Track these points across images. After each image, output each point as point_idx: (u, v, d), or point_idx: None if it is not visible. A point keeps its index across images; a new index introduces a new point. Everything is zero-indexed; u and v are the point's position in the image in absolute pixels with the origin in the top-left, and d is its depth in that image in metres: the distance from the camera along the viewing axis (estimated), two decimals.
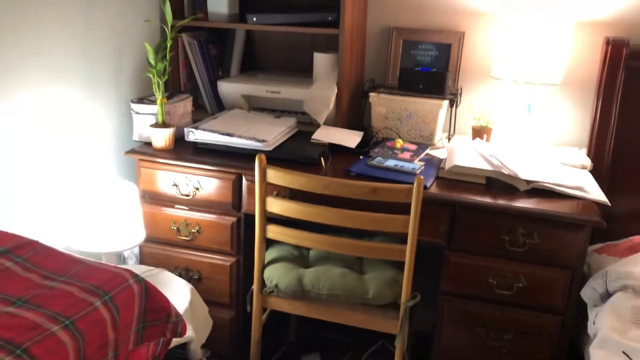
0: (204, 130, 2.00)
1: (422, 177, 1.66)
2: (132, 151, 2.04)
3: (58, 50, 1.83)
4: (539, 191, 1.80)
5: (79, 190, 1.85)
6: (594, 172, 2.02)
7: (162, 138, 2.02)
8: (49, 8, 1.77)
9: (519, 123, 2.15)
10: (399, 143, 2.11)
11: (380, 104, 2.20)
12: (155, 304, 1.31)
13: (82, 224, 1.80)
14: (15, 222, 1.70)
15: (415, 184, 1.64)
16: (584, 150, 2.13)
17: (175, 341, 1.67)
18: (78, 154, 1.97)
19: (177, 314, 1.37)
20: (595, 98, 2.08)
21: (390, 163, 1.94)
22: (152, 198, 2.06)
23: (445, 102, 2.15)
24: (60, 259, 1.28)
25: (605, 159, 2.07)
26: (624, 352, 1.36)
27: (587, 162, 2.04)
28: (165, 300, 1.34)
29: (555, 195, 1.78)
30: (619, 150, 2.06)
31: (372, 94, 2.21)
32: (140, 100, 2.11)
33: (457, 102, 2.21)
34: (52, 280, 1.20)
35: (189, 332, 1.70)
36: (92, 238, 1.80)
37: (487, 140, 2.17)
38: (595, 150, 2.08)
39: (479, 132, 2.17)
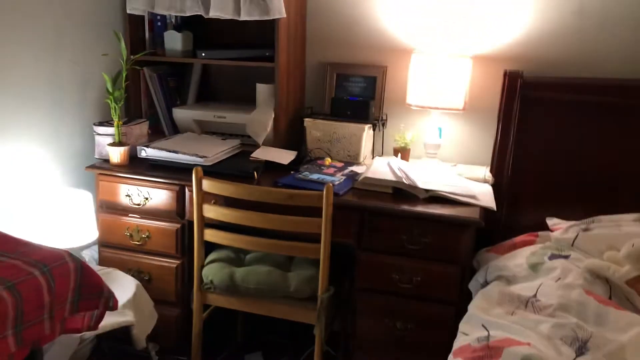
0: (153, 148, 2.31)
1: (331, 184, 1.96)
2: (92, 166, 2.35)
3: (29, 80, 2.16)
4: (437, 199, 2.09)
5: (45, 197, 2.14)
6: (496, 186, 2.33)
7: (117, 155, 2.33)
8: (21, 47, 2.10)
9: (431, 144, 2.47)
10: (328, 161, 2.42)
11: (314, 128, 2.52)
12: (89, 280, 1.59)
13: (45, 224, 2.09)
14: None
15: (325, 191, 1.94)
16: (488, 168, 2.44)
17: (117, 323, 1.95)
18: (46, 170, 2.27)
19: (109, 291, 1.65)
20: (497, 123, 2.39)
21: (315, 176, 2.24)
22: (109, 207, 2.35)
23: (368, 127, 2.47)
24: (11, 242, 1.57)
25: (505, 174, 2.37)
26: (482, 325, 1.63)
27: (489, 176, 2.34)
28: (98, 278, 1.62)
29: (450, 202, 2.08)
30: (517, 167, 2.36)
31: (307, 119, 2.53)
32: (102, 123, 2.43)
33: (380, 126, 2.53)
34: (4, 257, 1.49)
35: (129, 317, 1.97)
36: (53, 235, 2.08)
37: (406, 158, 2.47)
38: (497, 167, 2.38)
39: (399, 152, 2.48)
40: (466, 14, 2.45)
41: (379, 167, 2.26)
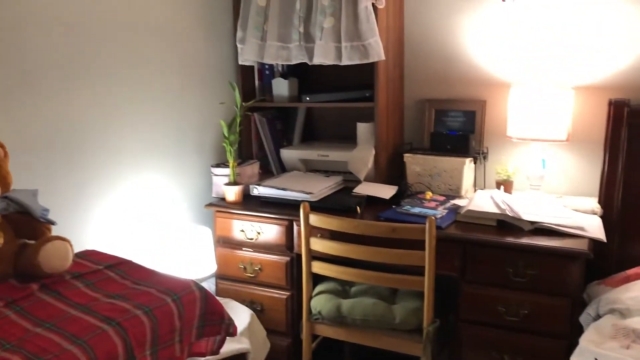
0: (264, 186, 2.49)
1: (433, 218, 2.02)
2: (210, 204, 2.58)
3: (158, 126, 2.43)
4: (543, 231, 2.08)
5: (169, 233, 2.38)
6: (605, 217, 2.26)
7: (233, 193, 2.54)
8: (152, 98, 2.38)
9: (535, 176, 2.45)
10: (429, 195, 2.48)
11: (414, 162, 2.60)
12: (212, 308, 1.74)
13: (171, 256, 2.31)
14: (119, 249, 2.24)
15: (427, 224, 2.00)
16: (595, 199, 2.37)
17: (235, 349, 2.10)
18: (169, 207, 2.52)
19: (230, 318, 1.79)
20: (603, 153, 2.34)
21: (416, 210, 2.31)
22: (225, 242, 2.55)
23: (469, 160, 2.50)
24: (145, 272, 1.77)
25: (615, 205, 2.30)
26: (595, 359, 1.60)
27: (598, 208, 2.29)
28: (220, 306, 1.77)
29: (557, 234, 2.06)
30: (627, 197, 2.29)
31: (406, 155, 2.61)
32: (218, 165, 2.65)
33: (481, 159, 2.56)
34: (139, 285, 1.68)
35: (245, 345, 2.12)
36: (177, 267, 2.30)
37: (508, 191, 2.47)
38: (605, 198, 2.32)
39: (501, 185, 2.49)
40: (565, 46, 2.45)
41: (482, 200, 2.28)
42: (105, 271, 1.73)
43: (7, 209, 1.64)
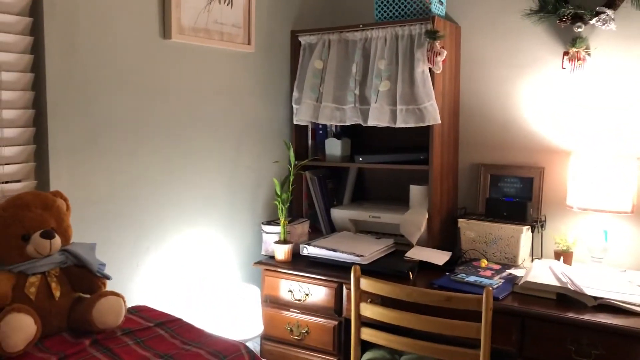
0: (314, 246, 2.47)
1: (491, 288, 1.94)
2: (259, 262, 2.56)
3: (213, 182, 2.46)
4: (607, 307, 1.97)
5: (218, 290, 2.36)
6: None
7: (282, 252, 2.52)
8: (208, 156, 2.43)
9: (597, 248, 2.34)
10: (484, 263, 2.40)
11: (469, 228, 2.53)
12: None
13: (217, 314, 2.29)
14: (169, 304, 2.23)
15: (484, 294, 1.92)
16: None
17: None
18: (218, 263, 2.52)
19: None
20: None
21: (471, 279, 2.23)
22: (272, 302, 2.51)
23: (526, 228, 2.42)
24: (195, 332, 1.75)
25: None
26: None
27: None
28: None
29: (622, 312, 1.94)
30: None
31: (461, 220, 2.55)
32: (269, 222, 2.65)
33: (539, 227, 2.47)
34: (188, 345, 1.66)
35: None
36: (225, 325, 2.27)
37: (568, 262, 2.37)
38: None
39: (560, 255, 2.39)
40: (629, 114, 2.39)
41: (541, 271, 2.19)
42: (156, 329, 1.72)
43: (65, 262, 1.67)
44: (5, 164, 1.75)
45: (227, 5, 2.42)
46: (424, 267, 2.37)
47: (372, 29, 2.56)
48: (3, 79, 1.73)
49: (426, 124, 2.43)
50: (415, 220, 2.53)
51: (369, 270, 2.29)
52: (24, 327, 1.46)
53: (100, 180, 2.00)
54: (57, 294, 1.62)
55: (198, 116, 2.37)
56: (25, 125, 1.80)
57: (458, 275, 2.26)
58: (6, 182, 1.76)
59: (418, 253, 2.45)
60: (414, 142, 2.74)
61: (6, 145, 1.75)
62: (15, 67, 1.76)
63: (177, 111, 2.28)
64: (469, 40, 2.73)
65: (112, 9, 1.99)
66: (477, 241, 2.52)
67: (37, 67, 1.81)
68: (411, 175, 2.74)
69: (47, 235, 1.61)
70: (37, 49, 1.81)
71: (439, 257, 2.43)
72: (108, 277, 1.71)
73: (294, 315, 2.46)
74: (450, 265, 2.40)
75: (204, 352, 1.61)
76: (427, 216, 2.52)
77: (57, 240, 1.64)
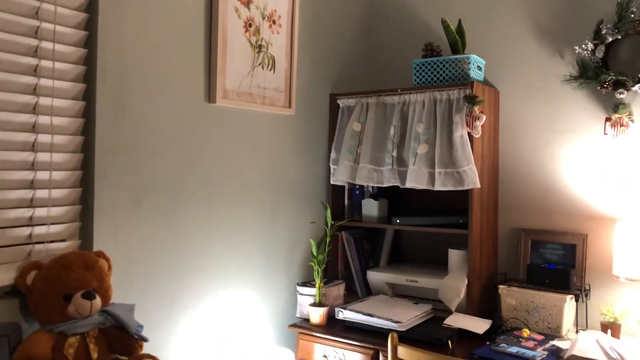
0: (350, 310, 2.42)
1: None
2: (293, 325, 2.52)
3: (249, 243, 2.47)
4: None
5: (252, 353, 2.33)
6: None
7: (318, 315, 2.48)
8: (245, 217, 2.45)
9: None
10: (526, 333, 2.31)
11: (510, 295, 2.46)
12: None
13: None
14: None
15: None
16: None
17: None
18: (253, 325, 2.49)
19: None
20: None
21: (513, 349, 2.15)
22: None
23: (570, 297, 2.34)
24: None
25: None
26: None
27: None
28: None
29: None
30: None
31: (501, 287, 2.48)
32: (304, 284, 2.63)
33: (583, 297, 2.38)
34: None
35: None
36: None
37: (616, 336, 2.26)
38: None
39: (607, 328, 2.29)
40: None
41: (586, 344, 2.09)
42: None
43: (104, 323, 1.68)
44: (52, 224, 1.79)
45: (270, 70, 2.49)
46: (464, 335, 2.30)
47: (411, 93, 2.59)
48: (55, 141, 1.80)
49: (465, 188, 2.41)
50: (454, 285, 2.47)
51: (406, 337, 2.23)
52: None
53: (142, 240, 2.02)
54: (94, 355, 1.62)
55: (237, 177, 2.41)
56: (73, 186, 1.86)
57: (499, 345, 2.18)
58: (51, 242, 1.80)
59: (457, 320, 2.38)
60: (451, 204, 2.71)
61: (53, 206, 1.80)
62: (66, 130, 1.83)
63: (217, 172, 2.32)
64: (508, 104, 2.73)
65: (160, 75, 2.07)
66: (519, 309, 2.44)
67: (87, 130, 1.88)
68: (449, 239, 2.70)
69: (88, 296, 1.63)
70: (88, 113, 1.88)
71: (479, 325, 2.36)
72: (145, 340, 1.71)
73: None
74: (490, 334, 2.32)
75: None
76: (466, 282, 2.46)
77: (98, 301, 1.66)
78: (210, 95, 2.25)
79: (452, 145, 2.46)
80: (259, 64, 2.43)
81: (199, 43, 2.21)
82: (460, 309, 2.47)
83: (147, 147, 2.03)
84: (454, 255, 2.59)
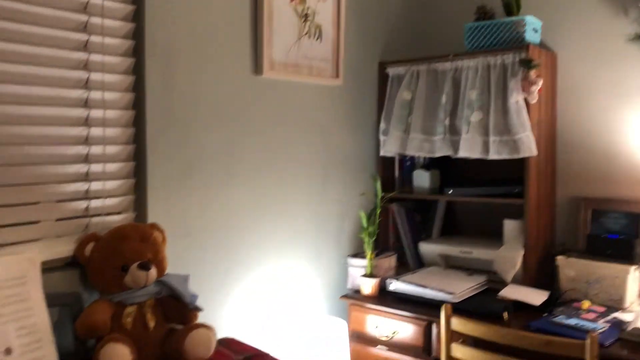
0: (402, 281, 2.40)
1: (595, 333, 1.79)
2: (345, 296, 2.53)
3: (300, 214, 2.47)
4: None
5: (304, 322, 2.35)
6: None
7: (369, 286, 2.47)
8: (296, 189, 2.44)
9: None
10: (586, 304, 2.23)
11: (568, 266, 2.37)
12: None
13: (304, 348, 2.27)
14: (257, 338, 2.24)
15: (588, 340, 1.78)
16: None
17: None
18: (305, 295, 2.51)
19: None
20: None
21: (572, 322, 2.07)
22: (359, 337, 2.46)
23: (634, 268, 2.23)
24: None
25: None
26: None
27: None
28: None
29: None
30: None
31: (559, 257, 2.40)
32: (355, 255, 2.62)
33: None
34: None
35: None
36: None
37: None
38: None
39: None
40: None
41: None
42: None
43: (160, 293, 1.72)
44: (107, 197, 1.84)
45: (317, 40, 2.45)
46: (519, 307, 2.24)
47: (463, 59, 2.50)
48: (107, 116, 1.83)
49: (521, 156, 2.33)
50: (509, 256, 2.40)
51: (459, 309, 2.19)
52: (121, 356, 1.51)
53: (194, 212, 2.05)
54: (151, 324, 1.67)
55: (286, 149, 2.40)
56: (126, 160, 1.89)
57: (557, 318, 2.11)
58: (107, 215, 1.84)
59: (513, 292, 2.32)
60: (506, 173, 2.62)
61: (108, 179, 1.84)
62: (118, 104, 1.86)
63: (266, 144, 2.32)
64: (567, 67, 2.60)
65: (207, 48, 2.07)
66: (578, 280, 2.35)
67: (138, 105, 1.90)
68: (504, 209, 2.62)
69: (144, 266, 1.67)
70: (138, 88, 1.90)
71: (536, 297, 2.29)
72: (200, 309, 1.74)
73: (381, 352, 2.39)
74: (547, 306, 2.25)
75: None
76: (522, 252, 2.39)
77: (153, 272, 1.69)
78: (257, 67, 2.24)
79: (507, 112, 2.37)
80: (306, 34, 2.40)
81: (245, 15, 2.19)
82: (516, 281, 2.41)
83: (197, 120, 2.05)
84: (510, 226, 2.51)
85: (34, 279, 1.57)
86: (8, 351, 1.46)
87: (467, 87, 2.48)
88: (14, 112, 1.63)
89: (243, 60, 2.20)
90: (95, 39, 1.78)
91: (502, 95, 2.38)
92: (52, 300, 1.60)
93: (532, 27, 2.46)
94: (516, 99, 2.33)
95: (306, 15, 2.39)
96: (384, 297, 2.45)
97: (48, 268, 1.65)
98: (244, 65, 2.21)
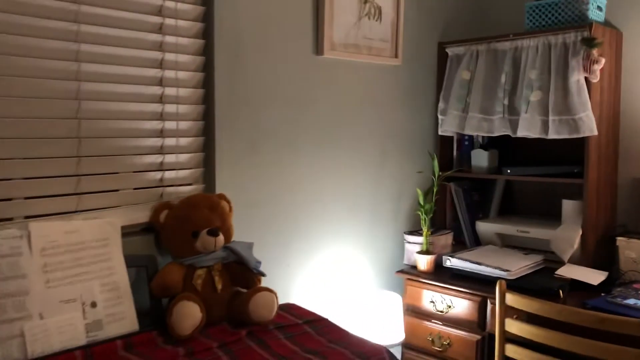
0: (458, 258, 2.45)
1: None
2: (401, 271, 2.60)
3: (357, 190, 2.55)
4: None
5: (360, 294, 2.44)
6: None
7: (425, 262, 2.53)
8: (354, 165, 2.53)
9: None
10: None
11: (629, 248, 2.35)
12: None
13: (360, 319, 2.36)
14: (314, 304, 2.35)
15: None
16: None
17: None
18: (361, 269, 2.60)
19: None
20: None
21: (630, 301, 2.07)
22: (414, 311, 2.53)
23: None
24: (340, 332, 1.83)
25: None
26: None
27: None
28: None
29: None
30: None
31: (620, 239, 2.38)
32: (411, 232, 2.68)
33: None
34: (333, 344, 1.74)
35: None
36: (366, 330, 2.33)
37: None
38: None
39: None
40: None
41: None
42: (304, 326, 1.83)
43: (227, 259, 1.85)
44: (180, 169, 1.99)
45: (376, 20, 2.50)
46: (576, 287, 2.25)
47: (523, 38, 2.50)
48: (180, 94, 1.97)
49: (581, 136, 2.31)
50: (567, 236, 2.40)
51: (515, 286, 2.22)
52: (192, 313, 1.65)
53: (258, 186, 2.17)
54: (219, 286, 1.80)
55: (345, 127, 2.49)
56: (197, 135, 2.03)
57: (615, 297, 2.11)
58: (179, 185, 1.99)
59: (570, 271, 2.32)
60: (565, 154, 2.61)
61: (180, 153, 1.98)
62: (189, 83, 1.99)
63: (326, 122, 2.41)
64: (633, 47, 2.54)
65: (271, 30, 2.17)
66: (639, 262, 2.33)
67: (207, 84, 2.03)
68: (563, 189, 2.61)
69: (213, 233, 1.80)
70: (207, 67, 2.03)
71: (594, 277, 2.29)
72: (263, 274, 1.86)
73: (435, 326, 2.46)
74: (605, 287, 2.24)
75: (348, 352, 1.68)
76: (580, 232, 2.38)
77: (221, 238, 1.82)
78: (317, 48, 2.32)
79: (567, 92, 2.35)
80: (365, 15, 2.46)
81: None
82: (574, 261, 2.41)
83: (261, 99, 2.16)
84: (568, 206, 2.51)
85: (115, 242, 1.73)
86: (93, 304, 1.63)
87: (526, 67, 2.47)
88: (100, 89, 1.79)
89: (305, 41, 2.29)
90: (169, 21, 1.92)
91: (563, 75, 2.36)
92: (131, 261, 1.76)
93: (596, 5, 2.42)
94: (577, 78, 2.32)
95: None
96: (440, 273, 2.51)
97: (127, 232, 1.81)
98: (306, 47, 2.30)
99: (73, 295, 1.59)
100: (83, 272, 1.64)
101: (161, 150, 1.95)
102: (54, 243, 1.62)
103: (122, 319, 1.66)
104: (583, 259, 2.39)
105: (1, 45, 1.60)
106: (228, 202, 1.94)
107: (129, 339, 1.61)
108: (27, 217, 1.69)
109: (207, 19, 2.01)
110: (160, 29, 1.91)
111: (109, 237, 1.72)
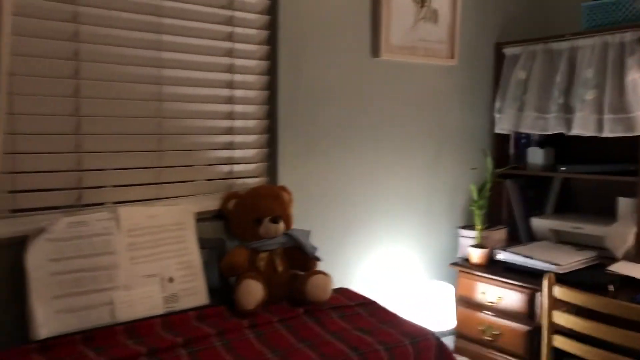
0: (510, 252, 2.53)
1: None
2: (455, 264, 2.71)
3: (412, 186, 2.69)
4: None
5: (414, 283, 2.57)
6: None
7: (477, 256, 2.63)
8: (410, 160, 2.66)
9: None
10: None
11: None
12: (447, 358, 1.86)
13: (413, 306, 2.50)
14: (367, 290, 2.51)
15: None
16: None
17: None
18: (416, 260, 2.73)
19: None
20: None
21: None
22: (466, 302, 2.64)
23: None
24: (389, 314, 1.97)
25: None
26: None
27: None
28: (454, 358, 1.88)
29: None
30: None
31: None
32: (465, 227, 2.78)
33: None
34: (382, 324, 1.89)
35: None
36: (418, 318, 2.47)
37: None
38: None
39: None
40: None
41: None
42: (356, 308, 1.99)
43: (286, 244, 2.04)
44: (246, 163, 2.20)
45: (433, 23, 2.62)
46: (629, 283, 2.28)
47: (579, 38, 2.54)
48: (247, 95, 2.18)
49: (636, 134, 2.34)
50: (621, 232, 2.43)
51: (565, 280, 2.28)
52: (256, 290, 1.85)
53: (317, 179, 2.36)
54: (279, 268, 2.00)
55: (402, 127, 2.62)
56: (262, 132, 2.24)
57: None
58: (246, 177, 2.21)
59: (623, 267, 2.36)
60: (621, 152, 2.62)
61: (247, 149, 2.20)
62: (255, 86, 2.20)
63: (383, 121, 2.55)
64: None
65: (331, 32, 2.34)
66: None
67: (272, 86, 2.23)
68: (619, 187, 2.63)
69: (275, 220, 2.00)
70: (272, 71, 2.23)
71: None
72: (319, 259, 2.04)
73: (486, 316, 2.55)
74: None
75: (395, 332, 1.83)
76: (635, 230, 2.41)
77: (282, 226, 2.02)
78: (375, 50, 2.47)
79: (623, 90, 2.38)
80: (422, 18, 2.58)
81: (365, 2, 2.43)
82: (628, 258, 2.43)
83: (320, 100, 2.33)
84: (623, 204, 2.53)
85: (189, 226, 1.96)
86: (171, 280, 1.86)
87: (582, 66, 2.51)
88: (178, 92, 2.03)
89: (363, 44, 2.45)
90: (237, 30, 2.13)
91: (619, 74, 2.39)
92: (203, 243, 1.99)
93: None
94: (633, 77, 2.34)
95: (423, 1, 2.57)
96: (492, 266, 2.60)
97: (200, 218, 2.04)
98: (364, 49, 2.45)
99: (154, 271, 1.83)
100: (162, 252, 1.87)
101: (230, 146, 2.17)
102: (138, 225, 1.86)
103: (195, 293, 1.88)
104: (637, 256, 2.41)
105: (102, 56, 1.86)
106: (289, 193, 2.13)
107: (201, 311, 1.84)
108: (115, 203, 1.95)
109: (271, 26, 2.21)
110: (230, 37, 2.12)
111: (184, 221, 1.95)
